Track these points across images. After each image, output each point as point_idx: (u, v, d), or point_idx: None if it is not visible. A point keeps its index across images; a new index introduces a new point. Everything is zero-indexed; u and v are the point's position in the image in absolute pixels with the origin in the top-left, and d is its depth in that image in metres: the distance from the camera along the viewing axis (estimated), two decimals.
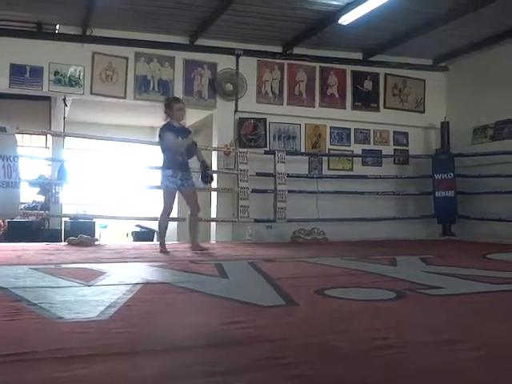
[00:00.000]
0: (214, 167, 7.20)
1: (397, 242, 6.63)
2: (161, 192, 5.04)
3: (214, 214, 7.18)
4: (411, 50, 7.45)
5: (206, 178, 5.11)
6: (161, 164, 5.02)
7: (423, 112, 8.04)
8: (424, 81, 8.03)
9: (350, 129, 7.68)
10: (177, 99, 5.24)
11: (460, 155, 7.38)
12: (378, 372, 1.44)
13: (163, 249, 4.93)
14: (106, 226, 9.37)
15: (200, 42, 7.02)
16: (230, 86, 7.09)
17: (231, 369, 1.43)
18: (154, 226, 10.00)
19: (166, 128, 4.92)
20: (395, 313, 2.25)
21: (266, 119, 7.26)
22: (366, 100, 7.75)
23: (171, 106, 4.96)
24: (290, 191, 6.84)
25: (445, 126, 7.76)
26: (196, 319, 2.08)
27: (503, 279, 3.20)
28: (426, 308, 2.37)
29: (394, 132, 7.92)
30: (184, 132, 5.02)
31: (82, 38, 6.56)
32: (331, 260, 4.40)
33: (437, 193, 7.36)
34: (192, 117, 8.47)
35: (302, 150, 7.43)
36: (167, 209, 4.95)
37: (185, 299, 2.53)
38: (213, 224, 7.21)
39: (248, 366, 1.46)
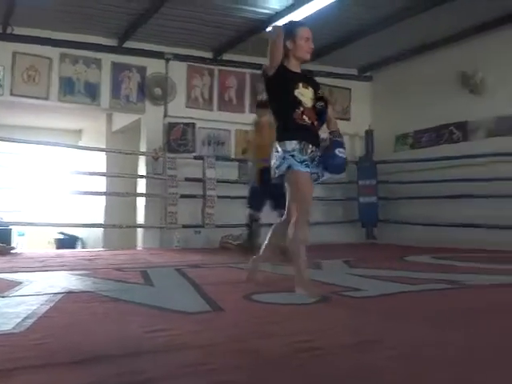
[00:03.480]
0: (143, 172, 7.08)
1: (323, 246, 6.79)
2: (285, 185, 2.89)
3: (141, 220, 7.04)
4: (337, 59, 7.69)
5: (337, 163, 2.88)
6: (276, 135, 2.90)
7: (349, 120, 8.31)
8: (350, 90, 8.32)
9: None
10: (300, 23, 3.11)
11: (382, 162, 7.70)
12: (302, 375, 1.47)
13: (304, 280, 2.78)
14: (23, 234, 8.94)
15: (129, 44, 6.88)
16: (159, 91, 7.00)
17: (153, 377, 1.41)
18: (78, 232, 9.70)
19: (276, 72, 2.84)
20: (320, 316, 2.31)
21: (195, 124, 7.22)
22: None
23: (293, 33, 2.85)
24: (219, 197, 6.84)
25: (369, 133, 8.07)
26: (119, 328, 2.03)
27: (419, 280, 3.37)
28: (348, 310, 2.45)
29: (322, 139, 8.11)
30: (307, 81, 2.95)
31: (2, 37, 6.23)
32: (261, 265, 4.43)
33: (361, 198, 7.64)
34: (120, 121, 8.30)
35: (232, 156, 7.45)
36: (304, 211, 2.82)
37: (108, 308, 2.46)
38: (139, 230, 7.07)
39: (171, 374, 1.45)
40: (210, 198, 6.83)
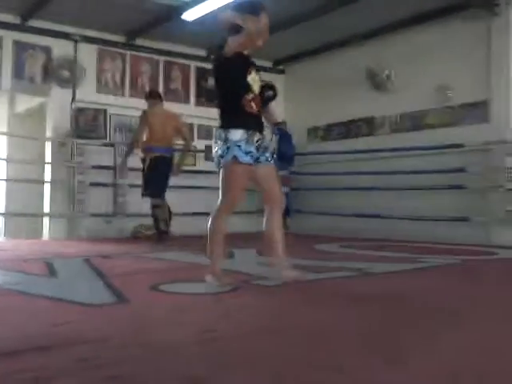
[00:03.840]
0: (48, 158, 6.73)
1: (238, 236, 6.84)
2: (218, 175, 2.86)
3: (47, 209, 6.70)
4: (254, 51, 7.72)
5: (293, 154, 3.06)
6: (220, 121, 2.81)
7: None
8: None
9: (193, 124, 7.72)
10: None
11: (295, 154, 7.87)
12: (203, 364, 1.47)
13: (215, 269, 2.81)
14: None
15: (33, 23, 6.48)
16: (66, 73, 6.66)
17: (45, 374, 1.35)
18: None
19: (233, 56, 2.75)
20: (227, 304, 2.33)
21: (106, 110, 6.97)
22: (209, 96, 7.86)
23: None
24: (131, 185, 6.66)
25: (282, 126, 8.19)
26: (18, 322, 1.93)
27: (326, 268, 3.50)
28: (256, 298, 2.49)
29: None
30: (256, 67, 2.90)
31: None
32: (170, 254, 4.40)
33: None
34: (23, 103, 7.82)
35: None
36: (231, 203, 2.89)
37: (6, 301, 2.32)
38: (46, 219, 6.73)
39: (64, 370, 1.39)
40: (121, 186, 6.64)
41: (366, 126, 7.31)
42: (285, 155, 2.97)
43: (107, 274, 3.07)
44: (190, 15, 6.01)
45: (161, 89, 7.38)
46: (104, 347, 1.60)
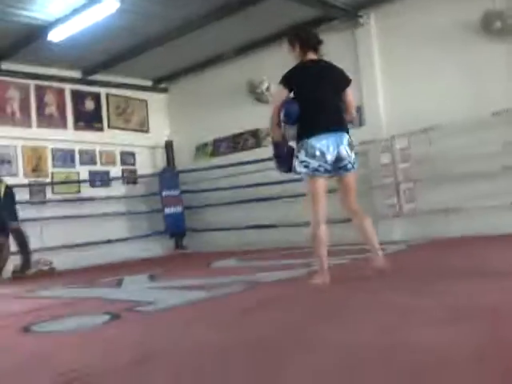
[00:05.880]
0: None
1: (131, 262, 6.58)
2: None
3: None
4: (131, 70, 7.52)
5: None
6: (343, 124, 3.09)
7: (148, 132, 8.20)
8: (146, 101, 8.21)
9: (74, 150, 7.33)
10: None
11: (184, 171, 7.75)
12: None
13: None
14: None
15: None
16: None
17: None
18: None
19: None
20: (102, 338, 2.14)
21: None
22: (88, 120, 7.51)
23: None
24: None
25: (169, 144, 8.06)
26: None
27: (218, 284, 3.38)
28: (136, 327, 2.33)
29: (121, 152, 7.87)
30: None
31: None
32: (51, 291, 4.07)
33: (166, 209, 7.57)
34: None
35: (21, 175, 6.77)
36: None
37: None
38: None
39: None
40: None
41: (252, 138, 7.37)
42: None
43: None
44: (55, 35, 5.69)
45: (33, 114, 6.94)
46: None
